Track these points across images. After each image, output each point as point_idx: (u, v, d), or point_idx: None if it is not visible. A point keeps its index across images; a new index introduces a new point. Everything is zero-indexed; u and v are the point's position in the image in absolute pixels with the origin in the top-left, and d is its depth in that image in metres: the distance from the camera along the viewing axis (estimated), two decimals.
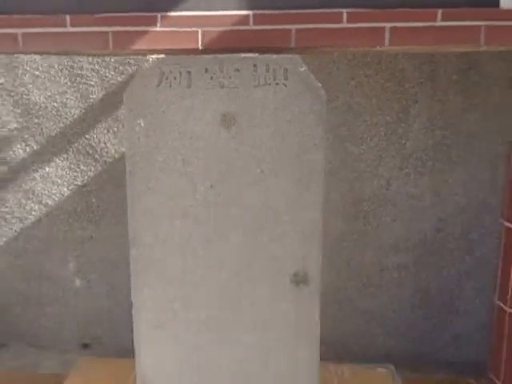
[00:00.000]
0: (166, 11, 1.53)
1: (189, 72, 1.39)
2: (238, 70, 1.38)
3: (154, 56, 1.45)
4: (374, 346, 2.38)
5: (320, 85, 1.41)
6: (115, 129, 2.37)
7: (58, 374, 2.29)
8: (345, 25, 1.50)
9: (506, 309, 1.64)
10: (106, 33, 1.54)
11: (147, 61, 1.44)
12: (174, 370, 1.57)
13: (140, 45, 1.54)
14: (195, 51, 1.53)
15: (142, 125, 1.41)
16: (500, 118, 1.86)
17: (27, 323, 2.60)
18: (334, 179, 2.26)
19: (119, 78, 2.31)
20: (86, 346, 2.60)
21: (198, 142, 1.41)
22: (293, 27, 1.51)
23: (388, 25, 1.49)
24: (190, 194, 1.45)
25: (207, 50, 1.52)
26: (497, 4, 1.46)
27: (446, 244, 2.32)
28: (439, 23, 1.48)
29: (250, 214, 1.45)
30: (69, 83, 2.35)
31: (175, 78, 1.40)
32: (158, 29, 1.53)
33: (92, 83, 2.33)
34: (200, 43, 1.53)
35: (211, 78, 1.39)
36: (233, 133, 1.40)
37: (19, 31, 1.54)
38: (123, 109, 1.46)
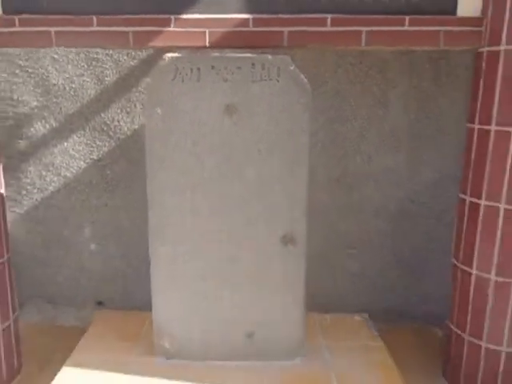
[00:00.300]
0: (179, 14, 1.82)
1: (198, 69, 1.69)
2: (239, 68, 1.68)
3: (170, 54, 1.72)
4: (355, 300, 2.68)
5: (306, 80, 1.70)
6: (128, 109, 2.59)
7: (76, 326, 2.62)
8: (329, 28, 1.80)
9: (459, 265, 1.97)
10: (127, 32, 1.82)
11: (163, 59, 1.71)
12: (185, 314, 1.91)
13: (156, 42, 1.83)
14: (203, 48, 1.83)
15: (159, 112, 1.71)
16: (466, 103, 2.13)
17: (46, 283, 2.85)
18: (324, 156, 2.54)
19: (132, 63, 2.54)
20: (100, 303, 2.86)
21: (206, 127, 1.72)
22: (285, 29, 1.81)
23: (364, 29, 1.79)
24: (198, 171, 1.76)
25: (213, 47, 1.82)
26: (454, 12, 1.77)
27: (420, 212, 2.60)
28: (406, 28, 1.78)
29: (248, 187, 1.77)
30: (85, 66, 2.57)
31: (187, 74, 1.70)
32: (171, 29, 1.82)
33: (107, 67, 2.56)
34: (207, 42, 1.82)
35: (217, 74, 1.69)
36: (235, 120, 1.71)
37: (53, 29, 1.83)
38: (144, 98, 1.75)
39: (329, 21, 1.79)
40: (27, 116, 2.64)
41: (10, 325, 2.05)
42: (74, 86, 2.61)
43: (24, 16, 1.81)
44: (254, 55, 1.69)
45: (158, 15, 1.81)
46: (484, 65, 1.79)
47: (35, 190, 2.74)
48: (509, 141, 1.74)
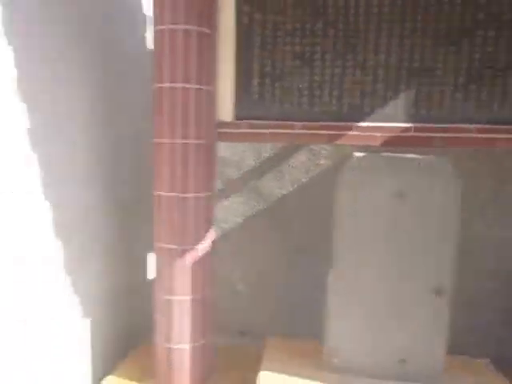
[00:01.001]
0: (358, 122, 2.62)
1: (377, 165, 2.51)
2: (408, 165, 2.49)
3: (357, 154, 2.53)
4: (473, 348, 3.22)
5: (457, 174, 2.46)
6: (278, 177, 3.42)
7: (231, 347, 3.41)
8: (473, 134, 2.56)
9: None
10: (323, 134, 2.64)
11: (352, 157, 2.52)
12: (351, 341, 2.63)
13: (342, 141, 2.61)
14: (375, 147, 2.62)
15: (346, 193, 2.53)
16: None
17: None
18: None
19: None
20: (242, 333, 3.62)
21: (381, 208, 2.48)
22: (435, 135, 2.57)
23: (498, 136, 2.58)
24: (372, 245, 2.52)
25: (383, 146, 2.61)
26: None
27: None
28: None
29: (412, 255, 2.50)
30: (248, 144, 3.41)
31: (368, 168, 2.51)
32: (351, 132, 2.62)
33: (265, 145, 3.39)
34: (379, 143, 2.63)
35: (390, 169, 2.47)
36: (403, 202, 2.50)
37: (268, 131, 2.65)
38: (337, 184, 2.54)
39: (472, 128, 2.55)
40: None
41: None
42: (236, 158, 3.44)
43: (250, 121, 2.66)
44: (420, 156, 2.48)
45: (343, 123, 2.62)
46: None
47: None
48: None
